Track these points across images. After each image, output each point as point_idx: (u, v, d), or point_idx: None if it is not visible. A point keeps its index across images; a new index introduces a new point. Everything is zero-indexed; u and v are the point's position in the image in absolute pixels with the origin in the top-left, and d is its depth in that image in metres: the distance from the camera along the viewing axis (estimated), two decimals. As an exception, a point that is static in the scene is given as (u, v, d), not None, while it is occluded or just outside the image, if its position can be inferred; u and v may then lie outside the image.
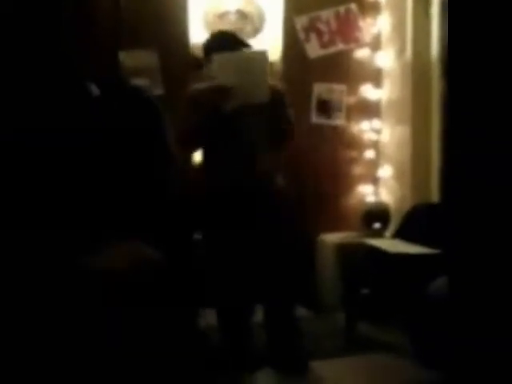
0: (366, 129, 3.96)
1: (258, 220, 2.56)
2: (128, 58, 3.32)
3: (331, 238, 3.66)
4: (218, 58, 2.39)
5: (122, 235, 2.18)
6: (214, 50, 2.53)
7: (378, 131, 3.97)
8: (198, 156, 3.04)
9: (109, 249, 2.05)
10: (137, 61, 3.34)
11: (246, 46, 2.69)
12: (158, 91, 3.38)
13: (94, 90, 2.46)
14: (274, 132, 2.65)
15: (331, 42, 3.85)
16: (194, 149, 2.74)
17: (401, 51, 3.78)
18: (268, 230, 2.58)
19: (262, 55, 2.48)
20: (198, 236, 3.08)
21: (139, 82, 3.30)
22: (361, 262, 3.16)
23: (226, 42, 2.61)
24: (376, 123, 3.96)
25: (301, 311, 3.47)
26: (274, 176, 2.66)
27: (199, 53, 3.70)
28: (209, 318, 2.94)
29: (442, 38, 3.60)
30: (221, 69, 2.36)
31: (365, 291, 3.12)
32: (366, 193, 3.95)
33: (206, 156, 2.68)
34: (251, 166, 2.56)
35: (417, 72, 3.68)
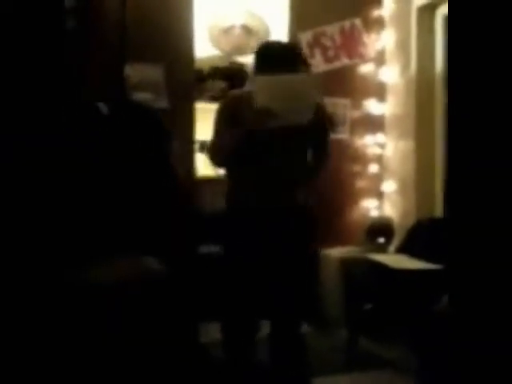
0: (369, 143, 3.97)
1: (278, 240, 2.50)
2: (133, 72, 3.33)
3: (335, 252, 3.64)
4: (259, 81, 2.37)
5: (124, 248, 2.19)
6: (267, 64, 2.47)
7: (381, 145, 3.97)
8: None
9: (110, 262, 2.06)
10: (142, 74, 3.35)
11: (302, 62, 2.66)
12: (163, 105, 3.39)
13: (103, 108, 2.48)
14: (312, 157, 2.62)
15: (336, 57, 3.86)
16: (224, 164, 2.65)
17: (405, 66, 3.79)
18: (292, 250, 2.53)
19: (305, 79, 2.47)
20: (215, 249, 3.05)
21: (144, 95, 3.31)
22: (364, 278, 3.15)
23: (279, 59, 2.48)
24: (380, 137, 3.97)
25: (303, 327, 3.45)
26: (305, 200, 2.59)
27: (204, 66, 3.75)
28: (211, 332, 2.93)
29: (445, 54, 3.62)
30: (261, 91, 2.32)
31: (368, 307, 3.10)
32: (370, 207, 3.94)
33: (234, 172, 2.60)
34: (278, 190, 2.48)
35: (421, 87, 3.70)
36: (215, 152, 2.55)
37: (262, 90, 2.32)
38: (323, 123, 2.61)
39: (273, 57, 2.48)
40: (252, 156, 2.47)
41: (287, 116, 2.32)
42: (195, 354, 2.76)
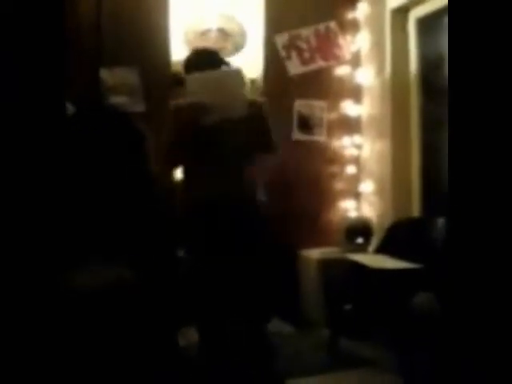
0: (347, 144, 4.00)
1: (236, 236, 2.55)
2: (109, 75, 3.31)
3: (313, 253, 3.66)
4: (189, 79, 2.46)
5: (99, 255, 2.17)
6: (193, 67, 2.58)
7: (358, 147, 4.01)
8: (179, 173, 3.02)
9: (87, 271, 2.04)
10: (118, 78, 3.34)
11: (225, 63, 2.71)
12: (139, 108, 3.38)
13: (70, 108, 2.46)
14: (253, 145, 2.64)
15: (311, 60, 3.89)
16: (176, 164, 2.72)
17: (380, 68, 3.84)
18: (246, 247, 2.58)
19: (235, 73, 2.53)
20: (181, 253, 3.05)
21: (120, 99, 3.30)
22: (343, 278, 3.16)
23: (205, 59, 2.64)
24: (357, 139, 4.00)
25: (284, 327, 3.46)
26: (254, 190, 2.65)
27: (180, 70, 3.74)
28: (189, 335, 2.92)
29: (419, 55, 3.67)
30: (194, 88, 2.42)
31: (347, 307, 3.12)
32: (348, 208, 3.97)
33: (185, 171, 2.68)
34: (230, 180, 2.57)
35: (396, 88, 3.74)
36: (170, 154, 2.58)
37: (191, 87, 2.43)
38: (260, 118, 2.61)
39: (199, 57, 2.66)
40: (197, 154, 2.54)
41: (220, 110, 2.41)
42: (174, 358, 2.74)
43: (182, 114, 2.49)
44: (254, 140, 2.62)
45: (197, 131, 2.48)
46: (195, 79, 2.46)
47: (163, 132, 2.57)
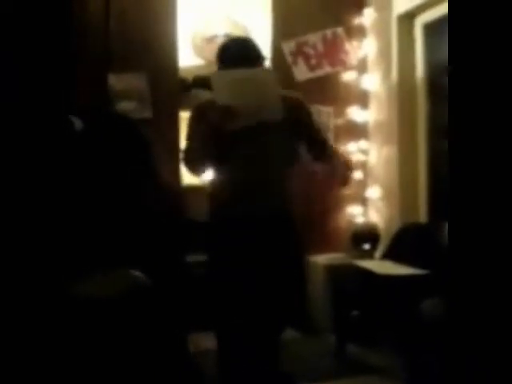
0: (353, 150, 3.99)
1: (266, 247, 2.44)
2: (117, 81, 3.33)
3: (321, 259, 3.66)
4: (215, 77, 2.24)
5: (111, 262, 2.18)
6: (227, 61, 2.38)
7: (365, 152, 4.01)
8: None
9: (97, 277, 2.04)
10: (126, 84, 3.35)
11: (263, 58, 2.50)
12: (147, 114, 3.39)
13: (77, 123, 2.46)
14: (294, 152, 2.50)
15: (318, 65, 3.89)
16: (201, 168, 2.51)
17: (386, 74, 3.84)
18: (276, 258, 2.46)
19: (267, 73, 2.36)
20: (200, 258, 3.02)
21: (128, 105, 3.31)
22: (350, 284, 3.16)
23: (240, 53, 2.39)
24: (363, 144, 4.00)
25: (291, 333, 3.45)
26: (292, 204, 2.52)
27: (187, 75, 3.76)
28: (203, 342, 2.92)
29: (425, 61, 3.67)
30: (219, 88, 2.20)
31: (355, 313, 3.11)
32: (355, 214, 3.97)
33: (215, 177, 2.53)
34: (262, 191, 2.40)
35: (402, 94, 3.74)
36: (189, 157, 2.44)
37: (219, 86, 2.21)
38: (302, 119, 2.48)
39: (233, 53, 2.39)
40: (227, 160, 2.39)
41: (252, 114, 2.21)
42: (184, 364, 2.74)
43: (205, 117, 2.30)
44: (296, 145, 2.48)
45: (224, 136, 2.29)
46: (222, 77, 2.25)
47: (186, 135, 2.46)
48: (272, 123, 2.31)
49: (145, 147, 2.99)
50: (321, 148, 2.53)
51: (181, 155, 3.45)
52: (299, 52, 3.86)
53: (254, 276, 2.43)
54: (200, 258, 3.23)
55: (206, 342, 2.83)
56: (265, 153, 2.41)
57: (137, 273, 2.28)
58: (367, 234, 3.69)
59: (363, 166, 4.00)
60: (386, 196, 3.84)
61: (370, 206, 4.00)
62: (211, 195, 2.54)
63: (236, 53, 2.39)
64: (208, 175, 2.62)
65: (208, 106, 2.33)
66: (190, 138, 2.45)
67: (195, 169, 2.49)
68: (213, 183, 2.54)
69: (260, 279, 2.44)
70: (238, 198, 2.41)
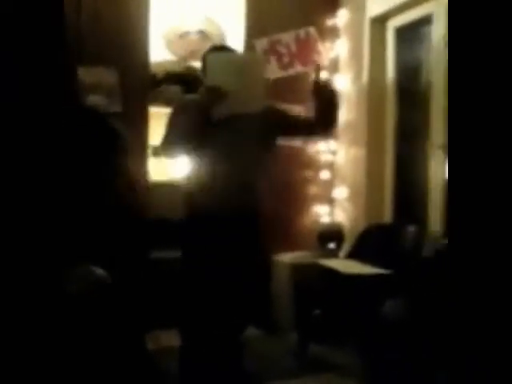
0: (322, 150, 4.03)
1: (234, 245, 2.48)
2: (87, 75, 3.29)
3: (286, 257, 3.68)
4: (210, 58, 2.29)
5: (74, 259, 2.17)
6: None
7: (333, 152, 4.05)
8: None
9: (60, 273, 2.04)
10: (96, 77, 3.32)
11: None
12: (117, 108, 3.36)
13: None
14: (269, 142, 2.56)
15: (290, 64, 3.89)
16: (175, 156, 2.55)
17: (357, 75, 3.88)
18: (245, 259, 2.52)
19: (258, 58, 2.45)
20: (168, 254, 3.01)
21: (98, 98, 3.28)
22: (314, 283, 3.20)
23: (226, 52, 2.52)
24: (332, 144, 4.04)
25: (254, 331, 3.48)
26: (261, 200, 2.58)
27: (158, 71, 3.74)
28: (164, 339, 2.92)
29: (396, 64, 3.72)
30: (214, 69, 2.24)
31: (317, 312, 3.15)
32: (321, 213, 4.01)
33: (191, 172, 2.55)
34: (240, 185, 2.46)
35: (372, 95, 3.78)
36: (169, 141, 2.44)
37: (212, 67, 2.25)
38: (278, 115, 2.59)
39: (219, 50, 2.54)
40: (203, 154, 2.42)
41: (238, 102, 2.24)
42: (142, 361, 2.75)
43: (187, 111, 2.35)
44: (270, 137, 2.55)
45: (208, 123, 2.31)
46: (217, 59, 2.28)
47: (169, 125, 2.46)
48: (250, 118, 2.36)
49: (114, 139, 2.97)
50: (308, 124, 2.63)
51: (149, 151, 3.48)
52: (272, 50, 3.85)
53: (221, 274, 2.46)
54: (167, 255, 3.25)
55: (167, 339, 2.82)
56: (241, 150, 2.45)
57: (98, 269, 2.27)
58: (332, 234, 3.73)
59: (331, 165, 4.04)
60: (353, 196, 3.90)
61: (336, 205, 4.04)
62: (186, 192, 2.56)
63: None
64: (182, 171, 2.65)
65: (190, 104, 2.37)
66: (172, 125, 2.45)
67: (173, 156, 2.53)
68: (188, 180, 2.56)
69: (226, 277, 2.47)
70: (213, 195, 2.45)
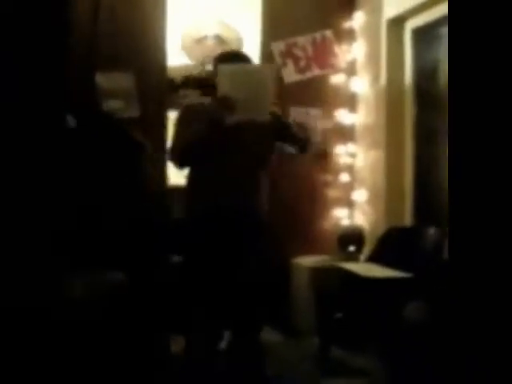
0: (341, 152, 4.01)
1: (242, 246, 2.52)
2: (105, 80, 3.32)
3: (306, 261, 3.66)
4: (222, 69, 2.35)
5: (88, 262, 2.17)
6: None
7: (352, 155, 4.02)
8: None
9: (73, 277, 2.04)
10: (114, 83, 3.34)
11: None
12: (134, 113, 3.38)
13: (71, 121, 2.45)
14: (270, 152, 2.62)
15: (307, 68, 3.90)
16: (189, 164, 2.61)
17: (375, 77, 3.85)
18: (251, 259, 2.55)
19: (268, 68, 2.49)
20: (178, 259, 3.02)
21: (115, 104, 3.30)
22: (334, 286, 3.17)
23: (237, 59, 2.58)
24: (351, 147, 4.01)
25: (274, 335, 3.46)
26: (265, 204, 2.62)
27: (176, 75, 3.75)
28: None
29: (414, 66, 3.69)
30: (225, 80, 2.31)
31: (338, 315, 3.12)
32: (341, 216, 3.98)
33: (194, 174, 2.61)
34: (241, 190, 2.53)
35: (390, 97, 3.75)
36: (177, 150, 2.53)
37: (224, 78, 2.32)
38: (282, 123, 2.58)
39: (232, 57, 2.60)
40: (213, 157, 2.48)
41: (247, 110, 2.31)
42: (166, 364, 2.74)
43: (203, 112, 2.43)
44: (272, 147, 2.61)
45: (221, 131, 2.39)
46: (228, 70, 2.34)
47: (177, 132, 2.54)
48: (257, 126, 2.42)
49: (134, 147, 2.98)
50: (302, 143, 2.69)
51: (167, 155, 3.48)
52: (288, 54, 3.87)
53: (221, 274, 2.49)
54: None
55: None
56: (246, 153, 2.52)
57: (115, 273, 2.27)
58: (353, 237, 3.70)
59: (350, 168, 4.01)
60: (372, 199, 3.86)
61: (356, 208, 4.01)
62: (189, 191, 2.61)
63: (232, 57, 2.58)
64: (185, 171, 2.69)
65: (201, 108, 2.46)
66: (179, 132, 2.53)
67: (187, 165, 2.59)
68: (191, 179, 2.61)
69: (226, 277, 2.51)
70: (217, 195, 2.50)
